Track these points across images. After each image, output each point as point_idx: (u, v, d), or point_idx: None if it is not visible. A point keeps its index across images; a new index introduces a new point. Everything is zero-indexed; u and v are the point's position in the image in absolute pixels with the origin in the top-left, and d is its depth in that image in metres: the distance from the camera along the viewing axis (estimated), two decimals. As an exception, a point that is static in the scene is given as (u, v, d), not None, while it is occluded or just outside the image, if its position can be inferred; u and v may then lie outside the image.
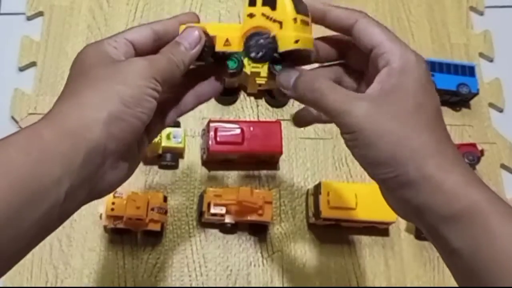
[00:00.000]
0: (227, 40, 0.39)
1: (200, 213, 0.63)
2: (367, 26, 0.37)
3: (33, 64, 0.72)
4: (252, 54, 0.39)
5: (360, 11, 0.38)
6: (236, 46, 0.39)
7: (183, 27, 0.40)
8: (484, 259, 0.31)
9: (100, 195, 0.36)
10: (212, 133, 0.63)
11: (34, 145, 0.32)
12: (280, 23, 0.37)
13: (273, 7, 0.38)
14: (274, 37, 0.38)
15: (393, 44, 0.37)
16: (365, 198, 0.62)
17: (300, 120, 0.45)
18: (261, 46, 0.38)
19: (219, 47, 0.39)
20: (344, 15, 0.38)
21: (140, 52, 0.38)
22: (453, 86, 0.72)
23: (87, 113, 0.34)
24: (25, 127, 0.33)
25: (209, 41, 0.39)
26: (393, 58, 0.36)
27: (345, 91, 0.36)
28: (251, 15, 0.38)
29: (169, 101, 0.41)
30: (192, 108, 0.42)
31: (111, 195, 0.60)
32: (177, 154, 0.67)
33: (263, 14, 0.38)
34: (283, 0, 0.37)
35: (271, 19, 0.38)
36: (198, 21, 0.41)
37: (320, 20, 0.39)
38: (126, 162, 0.37)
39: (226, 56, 0.40)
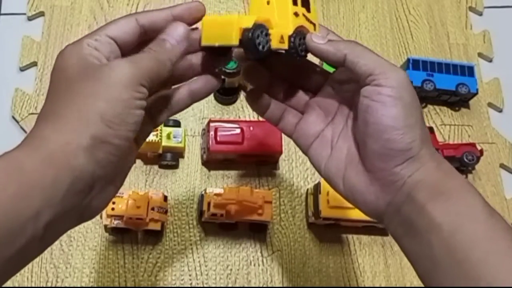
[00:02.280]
0: (282, 37, 0.37)
1: (200, 213, 0.63)
2: (357, 57, 0.37)
3: (34, 64, 0.72)
4: (294, 52, 0.38)
5: (349, 41, 0.39)
6: (286, 44, 0.38)
7: (205, 19, 0.38)
8: (465, 235, 0.33)
9: (88, 218, 0.34)
10: (212, 133, 0.64)
11: (13, 178, 0.29)
12: (314, 25, 0.40)
13: (308, 9, 0.39)
14: None
15: (384, 68, 0.37)
16: (364, 198, 0.62)
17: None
18: (301, 45, 0.38)
19: (275, 45, 0.37)
20: (332, 51, 0.38)
21: (124, 48, 0.36)
22: (452, 86, 0.72)
23: (69, 139, 0.31)
24: (5, 155, 0.31)
25: (266, 33, 0.37)
26: (387, 82, 0.36)
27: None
28: (296, 14, 0.38)
29: (159, 101, 0.39)
30: (184, 108, 0.40)
31: (111, 194, 0.60)
32: (177, 153, 0.67)
33: (303, 14, 0.39)
34: (314, 6, 0.39)
35: (308, 20, 0.39)
36: (202, 15, 0.39)
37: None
38: (115, 181, 0.35)
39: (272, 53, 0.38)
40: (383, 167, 0.36)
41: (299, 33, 0.38)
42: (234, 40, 0.36)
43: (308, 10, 0.39)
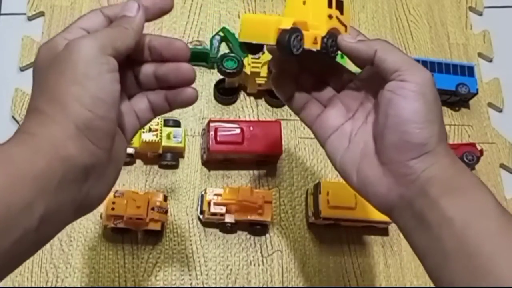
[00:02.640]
0: (315, 39, 0.39)
1: (200, 213, 0.63)
2: (386, 54, 0.38)
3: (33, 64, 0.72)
4: (326, 53, 0.40)
5: (379, 39, 0.40)
6: (318, 45, 0.39)
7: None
8: (477, 230, 0.33)
9: (89, 209, 0.34)
10: (212, 133, 0.64)
11: (1, 169, 0.29)
12: (346, 27, 0.41)
13: (341, 11, 0.41)
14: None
15: (411, 65, 0.38)
16: (364, 198, 0.62)
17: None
18: (332, 46, 0.40)
19: (308, 45, 0.39)
20: (363, 48, 0.39)
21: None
22: (452, 86, 0.72)
23: (55, 131, 0.31)
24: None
25: (301, 37, 0.38)
26: (412, 78, 0.37)
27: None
28: (330, 16, 0.40)
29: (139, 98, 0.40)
30: (166, 111, 0.41)
31: (111, 194, 0.60)
32: (177, 153, 0.67)
33: (336, 17, 0.40)
34: (348, 8, 0.41)
35: (340, 22, 0.41)
36: (169, 9, 0.39)
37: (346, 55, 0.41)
38: (110, 169, 0.35)
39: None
40: (398, 159, 0.37)
41: (332, 35, 0.40)
42: (272, 40, 0.37)
43: (341, 13, 0.41)
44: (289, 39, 0.37)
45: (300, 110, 0.44)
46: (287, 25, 0.37)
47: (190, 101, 0.40)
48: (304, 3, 0.40)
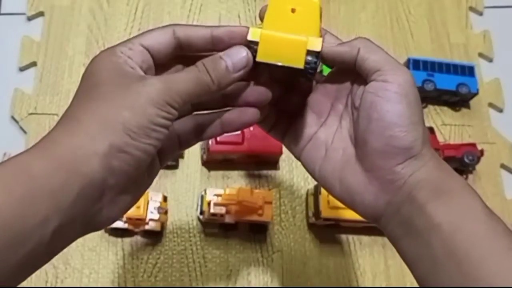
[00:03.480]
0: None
1: (200, 213, 0.63)
2: (368, 53, 0.37)
3: (33, 64, 0.72)
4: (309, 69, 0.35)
5: (361, 37, 0.39)
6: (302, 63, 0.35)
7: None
8: (465, 235, 0.33)
9: (97, 228, 0.33)
10: (212, 133, 0.63)
11: (20, 181, 0.28)
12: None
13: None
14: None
15: (393, 65, 0.37)
16: (365, 198, 0.62)
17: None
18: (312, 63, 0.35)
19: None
20: (346, 49, 0.38)
21: (158, 58, 0.35)
22: (453, 86, 0.72)
23: (84, 144, 0.30)
24: (13, 158, 0.30)
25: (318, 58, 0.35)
26: (394, 78, 0.36)
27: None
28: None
29: (188, 124, 0.37)
30: (214, 136, 0.38)
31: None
32: (177, 154, 0.67)
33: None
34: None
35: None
36: (243, 42, 0.35)
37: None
38: (129, 193, 0.34)
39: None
40: (384, 165, 0.35)
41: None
42: (301, 63, 0.34)
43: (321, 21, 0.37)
44: (317, 62, 0.34)
45: (271, 127, 0.41)
46: (318, 47, 0.34)
47: (251, 123, 0.37)
48: (293, 11, 0.35)
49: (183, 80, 0.33)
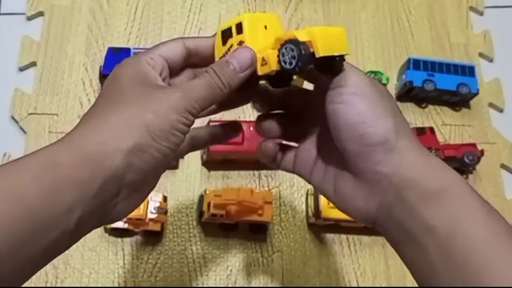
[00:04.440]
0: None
1: (200, 213, 0.63)
2: None
3: (33, 64, 0.72)
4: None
5: None
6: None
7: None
8: (464, 239, 0.32)
9: (109, 222, 0.35)
10: (212, 133, 0.63)
11: (49, 172, 0.30)
12: None
13: None
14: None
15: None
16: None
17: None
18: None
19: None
20: None
21: (172, 67, 0.38)
22: (453, 86, 0.72)
23: (110, 140, 0.32)
24: (40, 150, 0.32)
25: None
26: (346, 81, 0.37)
27: None
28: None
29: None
30: (203, 147, 0.43)
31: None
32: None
33: None
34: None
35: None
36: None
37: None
38: (141, 192, 0.36)
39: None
40: (364, 167, 0.36)
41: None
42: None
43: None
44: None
45: (279, 165, 0.43)
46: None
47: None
48: (265, 27, 0.38)
49: (197, 86, 0.36)
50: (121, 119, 0.33)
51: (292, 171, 0.43)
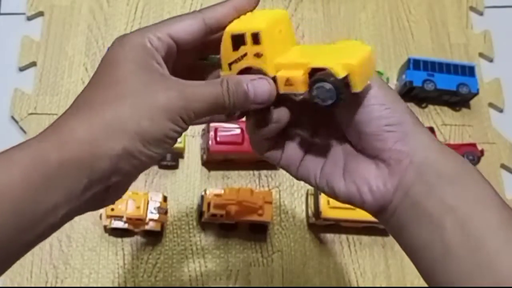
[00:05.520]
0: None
1: (200, 213, 0.63)
2: None
3: (33, 64, 0.72)
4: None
5: None
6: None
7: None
8: (480, 222, 0.32)
9: (95, 210, 0.35)
10: (212, 133, 0.63)
11: (39, 170, 0.30)
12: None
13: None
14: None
15: None
16: (365, 198, 0.62)
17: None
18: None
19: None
20: None
21: (183, 48, 0.35)
22: (453, 86, 0.72)
23: (101, 142, 0.31)
24: (33, 143, 0.32)
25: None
26: None
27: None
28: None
29: None
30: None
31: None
32: (177, 154, 0.67)
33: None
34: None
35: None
36: (255, 6, 0.36)
37: None
38: (126, 186, 0.36)
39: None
40: (384, 146, 0.35)
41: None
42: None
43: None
44: None
45: (265, 151, 0.41)
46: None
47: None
48: (280, 31, 0.35)
49: (202, 96, 0.33)
50: (115, 119, 0.32)
51: (277, 163, 0.41)
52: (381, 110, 0.35)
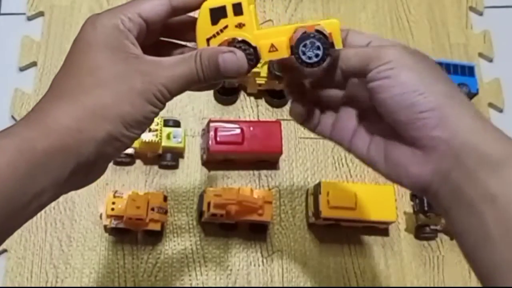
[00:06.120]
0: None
1: (200, 213, 0.63)
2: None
3: (33, 64, 0.72)
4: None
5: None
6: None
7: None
8: None
9: (77, 189, 0.36)
10: (212, 133, 0.63)
11: (25, 158, 0.31)
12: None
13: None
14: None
15: (377, 50, 0.37)
16: (365, 198, 0.62)
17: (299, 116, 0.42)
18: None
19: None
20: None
21: (151, 28, 0.36)
22: (453, 86, 0.72)
23: (84, 128, 0.33)
24: (18, 130, 0.32)
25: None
26: (382, 59, 0.36)
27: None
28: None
29: None
30: None
31: (111, 194, 0.60)
32: (177, 154, 0.67)
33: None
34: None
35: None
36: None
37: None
38: (107, 164, 0.37)
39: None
40: (418, 134, 0.35)
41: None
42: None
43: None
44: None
45: (315, 127, 0.42)
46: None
47: None
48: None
49: (177, 75, 0.35)
50: (98, 106, 0.33)
51: (329, 137, 0.42)
52: (413, 97, 0.34)
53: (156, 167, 0.67)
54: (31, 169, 0.31)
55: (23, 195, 0.31)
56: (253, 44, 0.36)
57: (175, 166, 0.67)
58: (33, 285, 0.60)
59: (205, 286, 0.62)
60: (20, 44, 0.73)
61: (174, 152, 0.66)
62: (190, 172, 0.67)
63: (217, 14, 0.36)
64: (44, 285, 0.60)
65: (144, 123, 0.35)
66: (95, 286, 0.61)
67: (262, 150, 0.65)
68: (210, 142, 0.63)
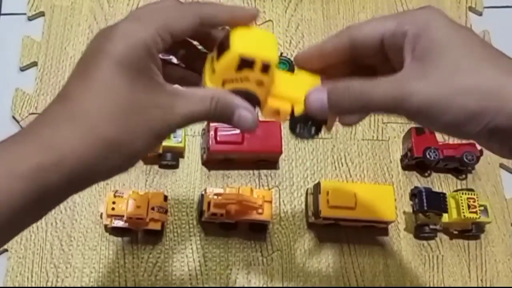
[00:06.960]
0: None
1: (200, 213, 0.63)
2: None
3: (34, 64, 0.72)
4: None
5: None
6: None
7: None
8: None
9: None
10: (212, 133, 0.64)
11: (39, 185, 0.31)
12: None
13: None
14: None
15: (398, 17, 0.35)
16: (364, 198, 0.62)
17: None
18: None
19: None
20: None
21: (177, 40, 0.34)
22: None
23: (99, 162, 0.33)
24: (31, 157, 0.32)
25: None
26: (406, 27, 0.34)
27: (386, 79, 0.33)
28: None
29: None
30: None
31: (111, 194, 0.60)
32: (178, 153, 0.67)
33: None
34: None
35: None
36: (255, 20, 0.36)
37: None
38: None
39: None
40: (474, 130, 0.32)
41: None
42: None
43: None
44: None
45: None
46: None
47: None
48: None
49: (191, 114, 0.34)
50: (115, 142, 0.32)
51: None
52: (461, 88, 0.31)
53: (156, 167, 0.67)
54: (43, 196, 0.31)
55: (32, 215, 0.33)
56: (262, 101, 0.37)
57: (175, 166, 0.67)
58: (33, 285, 0.60)
59: (205, 286, 0.62)
60: (21, 44, 0.73)
61: (174, 151, 0.66)
62: (190, 172, 0.67)
63: (245, 63, 0.35)
64: (44, 285, 0.60)
65: (146, 153, 0.35)
66: (95, 285, 0.61)
67: (262, 150, 0.65)
68: (210, 142, 0.63)
